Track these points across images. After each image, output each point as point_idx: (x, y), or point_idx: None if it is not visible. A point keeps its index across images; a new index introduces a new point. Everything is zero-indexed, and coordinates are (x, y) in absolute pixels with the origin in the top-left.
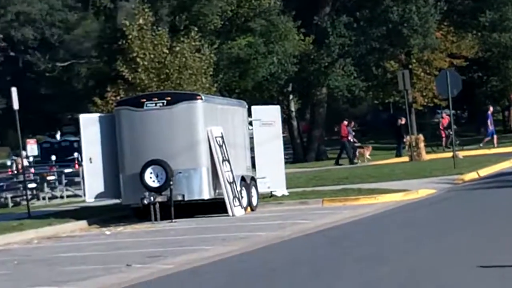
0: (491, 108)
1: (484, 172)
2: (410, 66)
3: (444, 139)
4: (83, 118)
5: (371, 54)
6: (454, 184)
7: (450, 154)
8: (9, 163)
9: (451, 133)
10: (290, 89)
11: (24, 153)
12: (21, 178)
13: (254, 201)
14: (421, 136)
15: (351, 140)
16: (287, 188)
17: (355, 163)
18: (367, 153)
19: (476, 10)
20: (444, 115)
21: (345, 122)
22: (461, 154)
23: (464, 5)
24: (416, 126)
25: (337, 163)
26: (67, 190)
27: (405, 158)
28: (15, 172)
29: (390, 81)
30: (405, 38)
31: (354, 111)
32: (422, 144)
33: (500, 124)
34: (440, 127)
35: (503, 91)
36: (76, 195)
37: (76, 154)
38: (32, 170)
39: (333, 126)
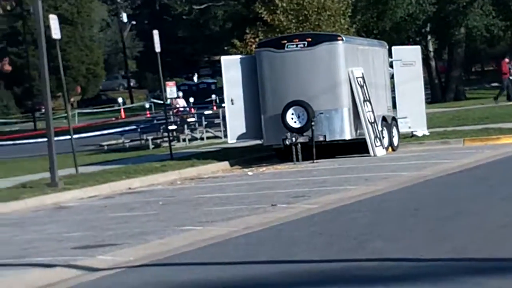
0: None
1: None
2: None
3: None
4: (225, 60)
5: None
6: None
7: None
8: (147, 105)
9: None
10: (428, 29)
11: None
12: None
13: (395, 141)
14: None
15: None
16: (427, 128)
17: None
18: None
19: None
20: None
21: (506, 60)
22: None
23: None
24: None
25: (495, 99)
26: (207, 131)
27: None
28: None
29: None
30: None
31: (493, 51)
32: None
33: None
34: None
35: None
36: (216, 137)
37: (213, 96)
38: (192, 110)
39: (471, 66)
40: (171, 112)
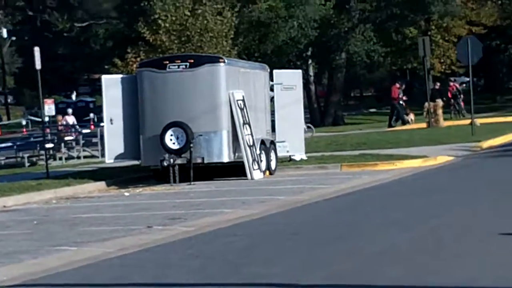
0: None
1: (503, 139)
2: (429, 33)
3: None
4: (105, 78)
5: (391, 20)
6: (472, 151)
7: (468, 121)
8: (24, 122)
9: (457, 101)
10: (309, 53)
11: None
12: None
13: (273, 165)
14: (439, 103)
15: (402, 102)
16: (305, 153)
17: (408, 122)
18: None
19: None
20: (450, 83)
21: (397, 85)
22: (478, 121)
23: None
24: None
25: (390, 126)
26: (84, 150)
27: (423, 125)
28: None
29: (409, 47)
30: (426, 5)
31: (372, 77)
32: (440, 111)
33: None
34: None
35: None
36: (93, 156)
37: (91, 115)
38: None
39: (350, 91)
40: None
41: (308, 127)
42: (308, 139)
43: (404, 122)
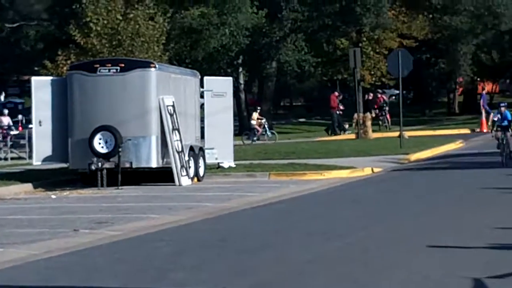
0: (485, 89)
1: (430, 153)
2: (360, 44)
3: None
4: (35, 80)
5: (323, 31)
6: (400, 163)
7: (396, 134)
8: None
9: (382, 112)
10: (240, 61)
11: None
12: None
13: (201, 171)
14: (368, 115)
15: (339, 112)
16: (234, 160)
17: (345, 130)
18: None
19: None
20: (378, 95)
21: (336, 93)
22: (407, 134)
23: None
24: (363, 104)
25: (332, 133)
26: (11, 152)
27: (352, 136)
28: None
29: (340, 58)
30: (358, 16)
31: (302, 87)
32: (369, 123)
33: (445, 106)
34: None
35: (450, 74)
36: (20, 158)
37: (20, 116)
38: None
39: (280, 100)
40: None
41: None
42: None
43: (341, 130)
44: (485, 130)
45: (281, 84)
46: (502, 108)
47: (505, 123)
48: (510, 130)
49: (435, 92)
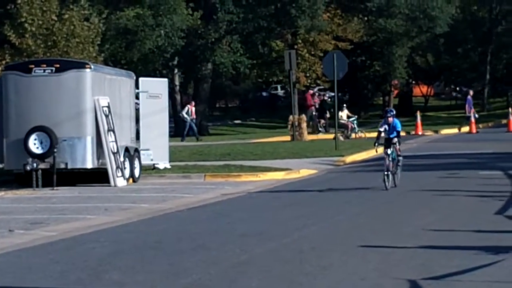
0: (471, 92)
1: (365, 155)
2: (295, 47)
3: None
4: None
5: (258, 33)
6: (335, 165)
7: (332, 136)
8: None
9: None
10: (175, 63)
11: None
12: None
13: (137, 172)
14: (303, 117)
15: (315, 113)
16: (169, 161)
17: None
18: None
19: None
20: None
21: (310, 91)
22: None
23: None
24: (298, 106)
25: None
26: None
27: (287, 138)
28: None
29: (275, 60)
30: (293, 18)
31: (237, 89)
32: (304, 125)
33: (380, 108)
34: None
35: (385, 76)
36: None
37: None
38: None
39: (215, 102)
40: None
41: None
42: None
43: (317, 130)
44: (420, 133)
45: (216, 86)
46: (390, 118)
47: (394, 134)
48: (398, 143)
49: (371, 94)
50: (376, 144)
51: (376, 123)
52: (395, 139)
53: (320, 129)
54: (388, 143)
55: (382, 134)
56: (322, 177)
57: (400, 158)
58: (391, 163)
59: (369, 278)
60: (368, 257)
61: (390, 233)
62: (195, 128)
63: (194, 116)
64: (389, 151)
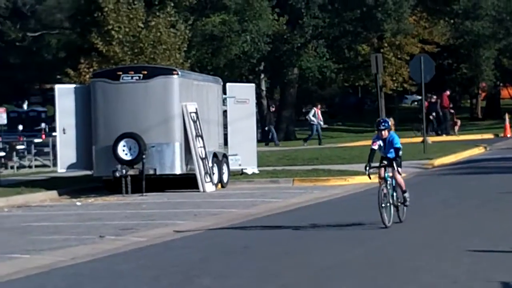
0: None
1: (454, 158)
2: (381, 50)
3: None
4: (59, 88)
5: (344, 37)
6: (424, 168)
7: (420, 139)
8: None
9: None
10: (261, 68)
11: None
12: None
13: (225, 178)
14: (391, 120)
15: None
16: (257, 166)
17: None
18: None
19: None
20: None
21: (447, 92)
22: (430, 139)
23: None
24: (386, 109)
25: (438, 133)
26: (36, 160)
27: None
28: None
29: (361, 64)
30: (379, 22)
31: (323, 93)
32: (392, 128)
33: (468, 111)
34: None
35: (473, 79)
36: (44, 165)
37: (43, 125)
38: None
39: (302, 107)
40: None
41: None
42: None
43: (445, 133)
44: (509, 135)
45: (303, 91)
46: (384, 131)
47: (391, 154)
48: (397, 166)
49: (458, 97)
50: (367, 168)
51: (463, 126)
52: (395, 161)
53: (450, 131)
54: (385, 164)
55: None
56: (411, 181)
57: (406, 195)
58: (389, 191)
59: (461, 281)
60: (460, 259)
61: (483, 235)
62: (320, 131)
63: (321, 119)
64: (385, 175)
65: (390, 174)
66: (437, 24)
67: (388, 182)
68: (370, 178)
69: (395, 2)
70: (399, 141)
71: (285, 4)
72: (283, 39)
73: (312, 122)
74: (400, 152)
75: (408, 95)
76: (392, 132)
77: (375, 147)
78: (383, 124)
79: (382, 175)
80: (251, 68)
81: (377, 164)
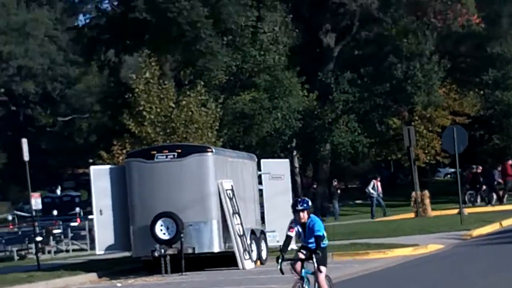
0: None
1: (491, 228)
2: (412, 123)
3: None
4: (94, 170)
5: (375, 111)
6: (462, 239)
7: (455, 211)
8: (10, 217)
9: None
10: (293, 144)
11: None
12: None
13: (264, 254)
14: (426, 192)
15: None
16: (296, 243)
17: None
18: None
19: (479, 68)
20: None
21: (510, 162)
22: (466, 210)
23: (467, 63)
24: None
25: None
26: (73, 243)
27: (411, 215)
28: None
29: (393, 138)
30: (409, 95)
31: (355, 169)
32: (427, 200)
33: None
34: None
35: (505, 149)
36: (82, 249)
37: (77, 209)
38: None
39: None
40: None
41: None
42: None
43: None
44: None
45: (335, 167)
46: (302, 213)
47: (312, 243)
48: (318, 263)
49: (491, 169)
50: (280, 260)
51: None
52: (315, 255)
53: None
54: (302, 257)
55: (293, 241)
56: (450, 252)
57: None
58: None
59: None
60: None
61: None
62: (382, 202)
63: (381, 191)
64: (303, 271)
65: (311, 270)
66: (467, 95)
67: (306, 280)
68: (282, 273)
69: (425, 74)
70: (322, 227)
71: (315, 79)
72: (314, 115)
73: (371, 195)
74: (325, 243)
75: (441, 168)
76: (313, 216)
77: (292, 233)
78: (301, 204)
79: (298, 269)
80: (283, 145)
81: (292, 256)
